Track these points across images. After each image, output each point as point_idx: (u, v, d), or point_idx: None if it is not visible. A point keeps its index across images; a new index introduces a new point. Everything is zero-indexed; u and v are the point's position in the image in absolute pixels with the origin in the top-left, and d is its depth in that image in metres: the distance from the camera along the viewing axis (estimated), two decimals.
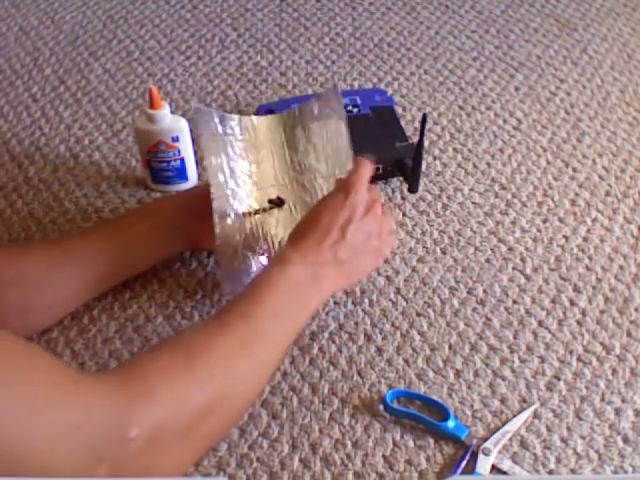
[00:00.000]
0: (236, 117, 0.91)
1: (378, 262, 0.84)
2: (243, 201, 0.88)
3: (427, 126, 1.13)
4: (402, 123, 1.08)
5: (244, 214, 0.87)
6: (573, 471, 0.73)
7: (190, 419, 0.62)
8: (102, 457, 0.55)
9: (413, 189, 0.98)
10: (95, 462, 0.55)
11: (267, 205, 0.90)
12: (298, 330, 0.76)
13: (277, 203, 0.90)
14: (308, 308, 0.76)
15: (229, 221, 0.85)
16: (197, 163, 1.03)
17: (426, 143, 1.10)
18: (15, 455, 0.52)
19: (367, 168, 0.81)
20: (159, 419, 0.59)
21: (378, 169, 1.00)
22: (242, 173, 0.89)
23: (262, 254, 0.88)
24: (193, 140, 1.01)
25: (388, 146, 1.02)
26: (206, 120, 0.87)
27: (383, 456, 0.74)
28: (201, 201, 0.87)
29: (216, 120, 0.88)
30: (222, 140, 0.88)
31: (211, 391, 0.65)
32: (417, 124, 1.13)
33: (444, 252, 0.95)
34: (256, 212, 0.89)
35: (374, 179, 1.02)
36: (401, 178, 1.02)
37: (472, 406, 0.78)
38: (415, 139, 0.95)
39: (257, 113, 1.11)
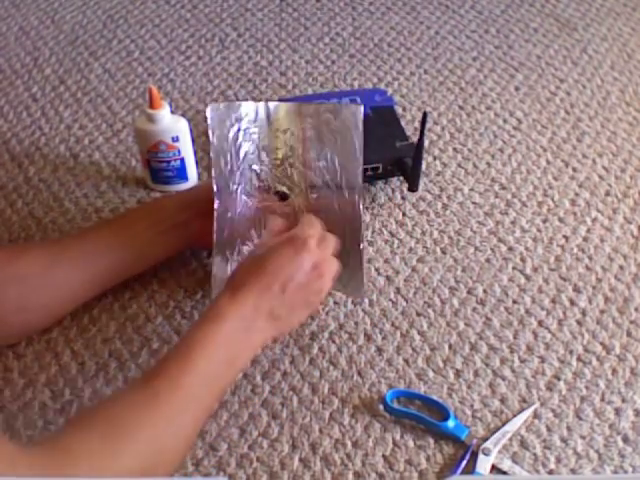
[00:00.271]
0: (250, 105, 0.87)
1: (311, 312, 0.82)
2: (252, 196, 0.88)
3: (427, 126, 1.13)
4: (402, 123, 1.08)
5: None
6: (573, 471, 0.73)
7: None
8: None
9: (413, 188, 0.98)
10: None
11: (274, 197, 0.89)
12: (226, 389, 0.75)
13: (281, 196, 0.89)
14: (237, 365, 0.74)
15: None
16: (197, 163, 1.03)
17: (426, 143, 1.10)
18: None
19: (319, 223, 0.80)
20: None
21: (378, 168, 1.00)
22: (250, 167, 0.88)
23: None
24: (193, 140, 1.01)
25: (388, 145, 1.02)
26: (222, 118, 0.84)
27: (383, 456, 0.74)
28: (201, 200, 0.87)
29: (232, 114, 0.85)
30: (234, 135, 0.86)
31: (136, 471, 0.63)
32: (417, 124, 1.13)
33: (444, 252, 0.95)
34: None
35: (374, 179, 1.03)
36: (401, 178, 1.02)
37: (472, 406, 0.78)
38: (415, 139, 0.95)
39: None
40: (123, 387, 0.80)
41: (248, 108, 0.87)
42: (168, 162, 0.99)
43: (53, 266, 0.82)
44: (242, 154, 0.87)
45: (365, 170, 0.99)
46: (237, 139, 0.87)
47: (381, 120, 1.06)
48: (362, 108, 0.84)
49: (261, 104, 0.88)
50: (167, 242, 0.89)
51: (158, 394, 0.67)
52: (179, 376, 0.68)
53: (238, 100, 1.20)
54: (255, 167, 0.89)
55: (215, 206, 0.83)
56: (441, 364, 0.82)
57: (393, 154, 1.01)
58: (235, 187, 0.86)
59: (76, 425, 0.66)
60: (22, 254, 0.83)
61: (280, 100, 1.09)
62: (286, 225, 0.85)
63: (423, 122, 0.91)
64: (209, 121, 0.82)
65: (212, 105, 0.84)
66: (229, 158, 0.86)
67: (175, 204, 0.90)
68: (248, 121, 0.88)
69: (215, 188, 0.83)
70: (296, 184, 0.89)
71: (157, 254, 0.90)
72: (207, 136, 0.89)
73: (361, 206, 0.83)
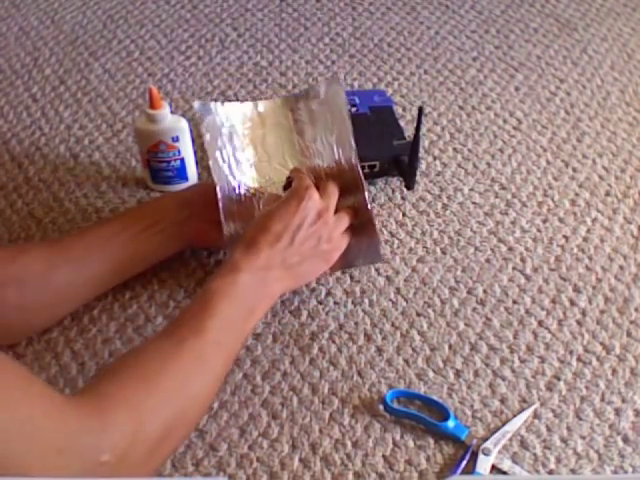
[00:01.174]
0: (237, 104, 0.91)
1: (327, 265, 0.85)
2: (250, 190, 0.89)
3: (427, 126, 1.14)
4: (402, 123, 1.08)
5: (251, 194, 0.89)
6: (573, 471, 0.73)
7: (150, 445, 0.65)
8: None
9: (409, 185, 0.98)
10: None
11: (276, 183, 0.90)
12: (248, 335, 0.78)
13: (284, 186, 0.90)
14: (257, 313, 0.78)
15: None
16: (197, 163, 1.03)
17: (426, 143, 1.10)
18: (10, 472, 0.55)
19: (308, 177, 0.84)
20: (124, 446, 0.62)
21: (375, 166, 1.01)
22: (247, 161, 0.89)
23: None
24: (193, 140, 1.01)
25: (386, 144, 1.02)
26: (209, 114, 0.88)
27: (383, 456, 0.74)
28: (201, 199, 0.88)
29: (220, 110, 0.90)
30: (227, 131, 0.88)
31: (170, 414, 0.67)
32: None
33: (444, 252, 0.95)
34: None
35: (371, 177, 1.03)
36: (401, 178, 1.02)
37: (472, 406, 0.78)
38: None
39: None
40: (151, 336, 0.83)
41: (235, 107, 0.90)
42: (168, 162, 0.99)
43: (53, 266, 0.82)
44: (238, 150, 0.88)
45: (362, 168, 0.99)
46: (231, 136, 0.89)
47: (379, 119, 1.07)
48: (338, 76, 0.87)
49: (248, 103, 0.92)
50: (167, 241, 0.89)
51: (183, 339, 0.71)
52: (202, 322, 0.72)
53: (238, 100, 1.20)
54: (253, 162, 0.90)
55: (219, 196, 0.84)
56: (441, 364, 0.82)
57: (390, 152, 1.01)
58: (237, 182, 0.88)
59: (111, 373, 0.69)
60: (22, 254, 0.83)
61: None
62: None
63: (419, 117, 0.91)
64: (199, 115, 0.87)
65: (199, 102, 0.88)
66: (225, 153, 0.87)
67: (174, 203, 0.90)
68: (240, 120, 0.89)
69: (215, 179, 0.85)
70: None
71: (157, 253, 0.90)
72: (199, 131, 0.92)
73: (359, 169, 0.84)
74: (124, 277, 0.89)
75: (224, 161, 0.88)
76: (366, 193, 0.84)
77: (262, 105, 0.93)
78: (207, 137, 0.87)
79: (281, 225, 0.79)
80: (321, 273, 0.85)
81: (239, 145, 0.90)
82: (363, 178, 0.84)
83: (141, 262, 0.89)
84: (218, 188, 0.84)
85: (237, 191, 0.87)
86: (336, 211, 0.84)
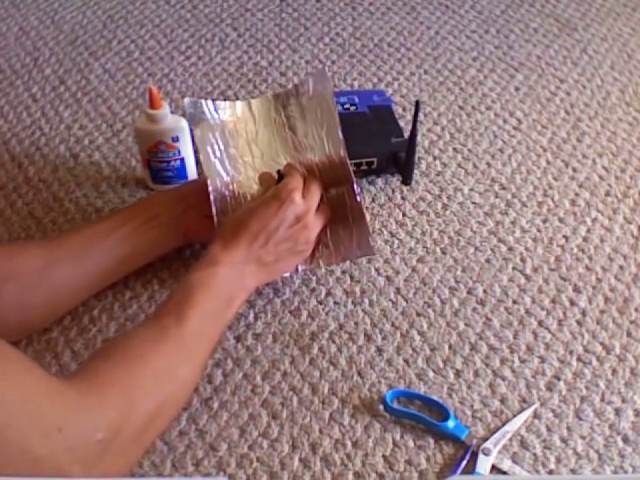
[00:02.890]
0: (228, 103, 0.93)
1: (302, 259, 0.87)
2: (243, 185, 0.89)
3: (427, 126, 1.14)
4: (401, 123, 1.08)
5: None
6: (573, 471, 0.73)
7: (142, 423, 0.67)
8: (76, 457, 0.61)
9: (407, 181, 0.99)
10: (71, 462, 0.61)
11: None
12: (226, 325, 0.80)
13: (281, 176, 0.90)
14: (235, 303, 0.80)
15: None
16: (197, 163, 1.03)
17: (426, 143, 1.10)
18: (10, 451, 0.58)
19: (300, 176, 0.85)
20: (118, 423, 0.64)
21: (373, 163, 1.01)
22: (241, 158, 0.90)
23: None
24: (193, 140, 1.01)
25: (383, 141, 1.02)
26: (200, 111, 0.90)
27: (383, 456, 0.74)
28: (197, 193, 0.89)
29: (211, 108, 0.91)
30: (219, 128, 0.89)
31: (159, 397, 0.70)
32: None
33: (444, 252, 0.95)
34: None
35: (369, 174, 1.03)
36: (399, 174, 1.03)
37: (472, 406, 0.78)
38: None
39: None
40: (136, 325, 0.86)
41: (226, 105, 0.92)
42: (168, 162, 0.99)
43: (51, 263, 0.82)
44: (230, 147, 0.90)
45: (360, 164, 1.01)
46: (223, 132, 0.89)
47: (378, 117, 1.07)
48: (325, 70, 0.90)
49: (239, 102, 0.93)
50: (164, 236, 0.89)
51: (167, 328, 0.73)
52: (183, 311, 0.74)
53: (237, 99, 1.20)
54: (246, 159, 0.90)
55: (210, 189, 0.86)
56: (441, 364, 0.82)
57: (388, 149, 1.01)
58: (228, 177, 0.88)
59: (101, 356, 0.72)
60: (20, 252, 0.83)
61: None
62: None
63: (416, 111, 0.91)
64: (189, 112, 0.89)
65: (189, 99, 0.90)
66: (216, 149, 0.89)
67: (170, 198, 0.91)
68: (232, 117, 0.90)
69: (207, 173, 0.87)
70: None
71: (155, 248, 0.90)
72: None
73: (347, 160, 0.84)
74: (123, 273, 0.89)
75: (215, 157, 0.89)
76: (355, 185, 0.84)
77: (254, 103, 0.94)
78: (198, 133, 0.89)
79: (259, 225, 0.80)
80: (294, 266, 0.87)
81: (231, 142, 0.91)
82: (351, 169, 0.84)
83: (140, 257, 0.89)
84: (209, 182, 0.86)
85: (230, 186, 0.88)
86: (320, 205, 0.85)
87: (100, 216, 1.00)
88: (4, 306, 0.79)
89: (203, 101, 0.91)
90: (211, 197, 0.85)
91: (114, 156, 1.10)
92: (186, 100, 0.90)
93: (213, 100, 0.92)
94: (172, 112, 0.99)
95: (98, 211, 1.01)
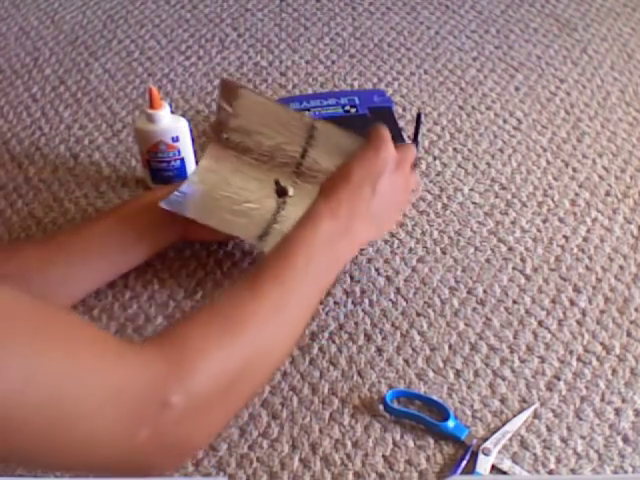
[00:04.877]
0: (192, 177, 0.94)
1: (400, 216, 0.86)
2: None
3: (427, 126, 1.13)
4: (402, 123, 1.08)
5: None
6: (573, 471, 0.73)
7: (225, 385, 0.63)
8: (144, 422, 0.57)
9: None
10: (137, 427, 0.56)
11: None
12: (329, 286, 0.77)
13: (280, 190, 0.91)
14: (340, 263, 0.77)
15: None
16: (197, 163, 1.03)
17: (426, 143, 1.10)
18: (64, 421, 0.54)
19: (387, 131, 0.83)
20: (196, 386, 0.60)
21: None
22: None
23: None
24: (193, 140, 1.01)
25: None
26: (177, 202, 0.89)
27: (383, 456, 0.74)
28: None
29: (184, 192, 0.91)
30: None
31: (245, 357, 0.65)
32: None
33: (444, 252, 0.95)
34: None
35: None
36: None
37: (472, 406, 0.78)
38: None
39: None
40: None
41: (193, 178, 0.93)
42: (168, 162, 0.99)
43: (49, 262, 0.83)
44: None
45: None
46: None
47: (379, 120, 1.06)
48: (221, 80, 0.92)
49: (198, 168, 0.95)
50: (160, 232, 0.89)
51: (262, 288, 0.69)
52: (281, 271, 0.70)
53: None
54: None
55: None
56: (441, 364, 0.82)
57: None
58: None
59: (184, 322, 0.68)
60: (17, 252, 0.84)
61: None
62: None
63: (417, 123, 0.91)
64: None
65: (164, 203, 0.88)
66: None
67: (163, 194, 0.91)
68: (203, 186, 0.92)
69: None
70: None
71: (151, 246, 0.90)
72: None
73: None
74: (121, 271, 0.89)
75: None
76: None
77: (204, 161, 0.94)
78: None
79: (360, 175, 0.77)
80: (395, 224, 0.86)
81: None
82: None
83: (137, 255, 0.89)
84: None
85: None
86: None
87: (97, 215, 1.00)
88: None
89: (174, 195, 0.90)
90: None
91: (114, 156, 1.10)
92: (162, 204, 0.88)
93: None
94: (172, 112, 0.99)
95: (98, 211, 1.01)
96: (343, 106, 1.07)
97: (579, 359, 0.82)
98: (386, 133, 0.81)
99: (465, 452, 0.74)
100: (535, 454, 0.74)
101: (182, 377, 0.59)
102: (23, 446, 0.53)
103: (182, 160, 1.00)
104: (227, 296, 0.70)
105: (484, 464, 0.73)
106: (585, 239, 0.96)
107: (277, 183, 0.92)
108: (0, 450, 0.53)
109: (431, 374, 0.81)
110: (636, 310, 0.87)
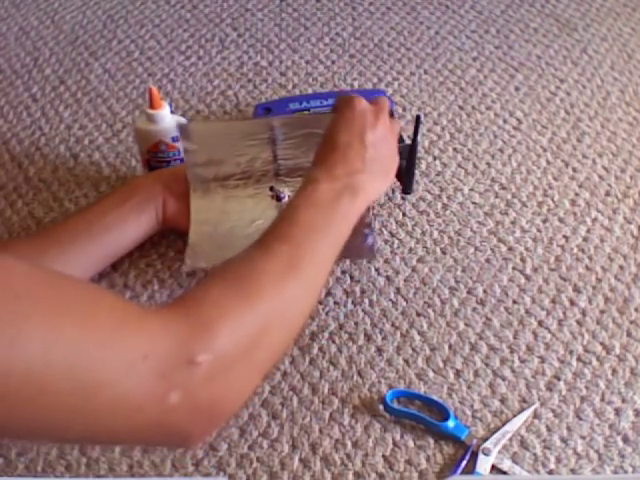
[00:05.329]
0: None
1: (397, 160, 0.86)
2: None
3: (427, 126, 1.13)
4: (402, 123, 1.08)
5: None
6: (573, 471, 0.73)
7: (248, 342, 0.62)
8: (172, 383, 0.56)
9: (407, 191, 0.98)
10: (166, 389, 0.56)
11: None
12: (342, 242, 0.76)
13: (276, 195, 0.93)
14: (348, 218, 0.76)
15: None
16: None
17: (426, 143, 1.10)
18: (88, 387, 0.53)
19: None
20: (220, 345, 0.60)
21: None
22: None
23: None
24: None
25: None
26: None
27: (383, 456, 0.74)
28: (179, 178, 0.92)
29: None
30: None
31: (264, 313, 0.65)
32: None
33: (444, 252, 0.95)
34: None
35: None
36: (399, 182, 1.02)
37: (472, 406, 0.78)
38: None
39: (255, 112, 1.11)
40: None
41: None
42: (168, 162, 0.99)
43: (39, 255, 0.83)
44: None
45: None
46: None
47: None
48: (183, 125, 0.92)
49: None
50: (147, 219, 0.90)
51: (271, 247, 0.69)
52: (286, 230, 0.71)
53: (238, 100, 1.20)
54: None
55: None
56: (441, 364, 0.82)
57: None
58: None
59: (199, 287, 0.68)
60: (9, 245, 0.85)
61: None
62: None
63: (416, 125, 0.91)
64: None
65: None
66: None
67: (150, 179, 0.93)
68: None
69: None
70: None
71: (139, 232, 0.90)
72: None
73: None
74: (110, 260, 0.90)
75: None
76: None
77: (193, 200, 0.93)
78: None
79: (346, 134, 0.79)
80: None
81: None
82: None
83: (125, 242, 0.90)
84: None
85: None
86: None
87: (86, 205, 1.00)
88: None
89: (187, 254, 0.89)
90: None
91: (114, 156, 1.10)
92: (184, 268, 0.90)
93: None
94: (172, 112, 0.99)
95: None
96: None
97: (579, 359, 0.82)
98: (352, 94, 0.83)
99: (465, 452, 0.74)
100: (535, 454, 0.74)
101: (205, 336, 0.59)
102: (47, 414, 0.53)
103: (182, 160, 1.00)
104: (238, 258, 0.70)
105: (484, 464, 0.73)
106: (585, 239, 0.96)
107: (272, 189, 0.94)
108: (25, 420, 0.52)
109: (431, 374, 0.81)
110: (636, 310, 0.87)
